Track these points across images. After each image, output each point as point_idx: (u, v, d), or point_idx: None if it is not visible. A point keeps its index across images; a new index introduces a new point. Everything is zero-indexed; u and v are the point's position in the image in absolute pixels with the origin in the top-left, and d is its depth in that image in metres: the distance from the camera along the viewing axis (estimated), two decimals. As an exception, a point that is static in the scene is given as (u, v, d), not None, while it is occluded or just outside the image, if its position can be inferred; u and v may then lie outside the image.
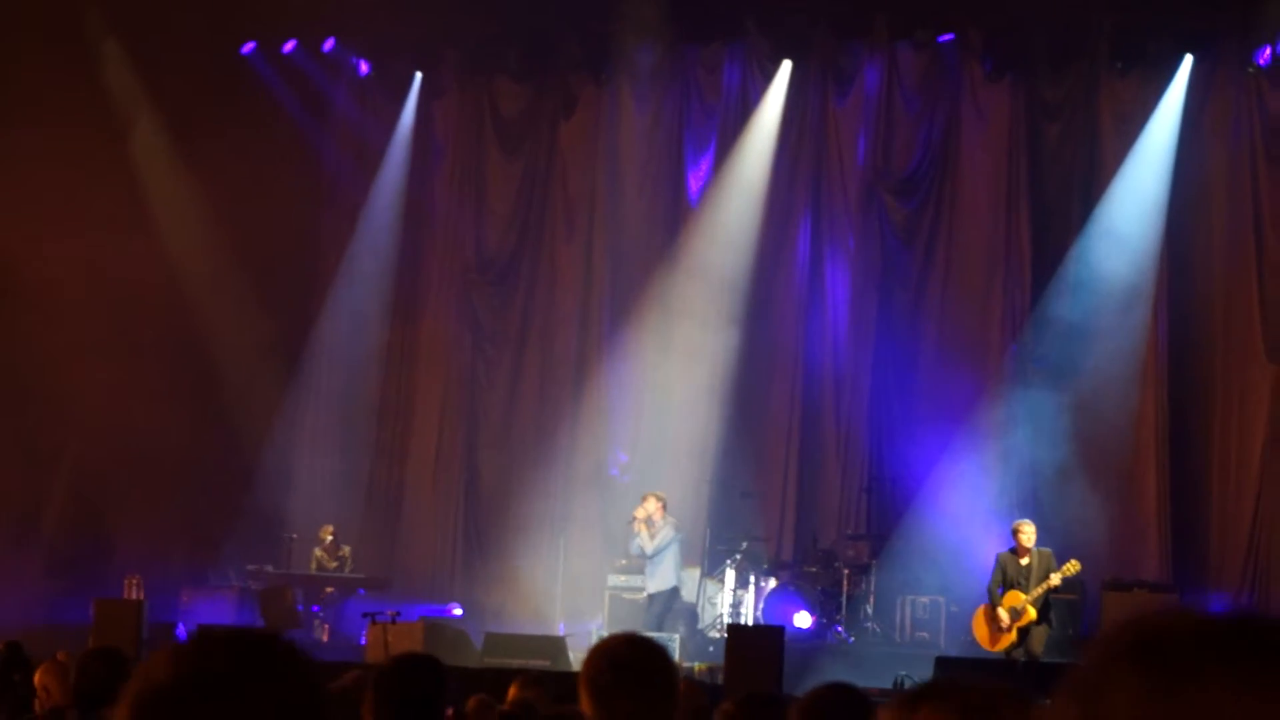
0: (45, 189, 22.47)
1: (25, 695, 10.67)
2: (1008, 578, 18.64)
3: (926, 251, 24.38)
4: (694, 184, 25.26)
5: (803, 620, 21.77)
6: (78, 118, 22.90)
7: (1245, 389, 22.93)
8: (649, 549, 20.93)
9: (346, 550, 23.44)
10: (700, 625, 22.21)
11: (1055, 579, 18.38)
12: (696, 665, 20.00)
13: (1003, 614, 18.47)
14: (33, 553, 23.24)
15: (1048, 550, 18.74)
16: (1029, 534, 18.66)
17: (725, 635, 19.18)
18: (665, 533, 20.99)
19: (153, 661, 2.68)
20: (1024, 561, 18.59)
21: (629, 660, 5.07)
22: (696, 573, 22.53)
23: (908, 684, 18.62)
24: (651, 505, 21.05)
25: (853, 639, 21.71)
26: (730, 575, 22.17)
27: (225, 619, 21.77)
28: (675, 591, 21.26)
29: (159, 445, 23.71)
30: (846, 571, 22.11)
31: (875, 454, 24.03)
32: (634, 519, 21.12)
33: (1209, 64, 23.33)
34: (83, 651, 8.75)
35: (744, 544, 22.52)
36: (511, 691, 9.86)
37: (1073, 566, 18.53)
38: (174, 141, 24.33)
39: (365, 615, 18.73)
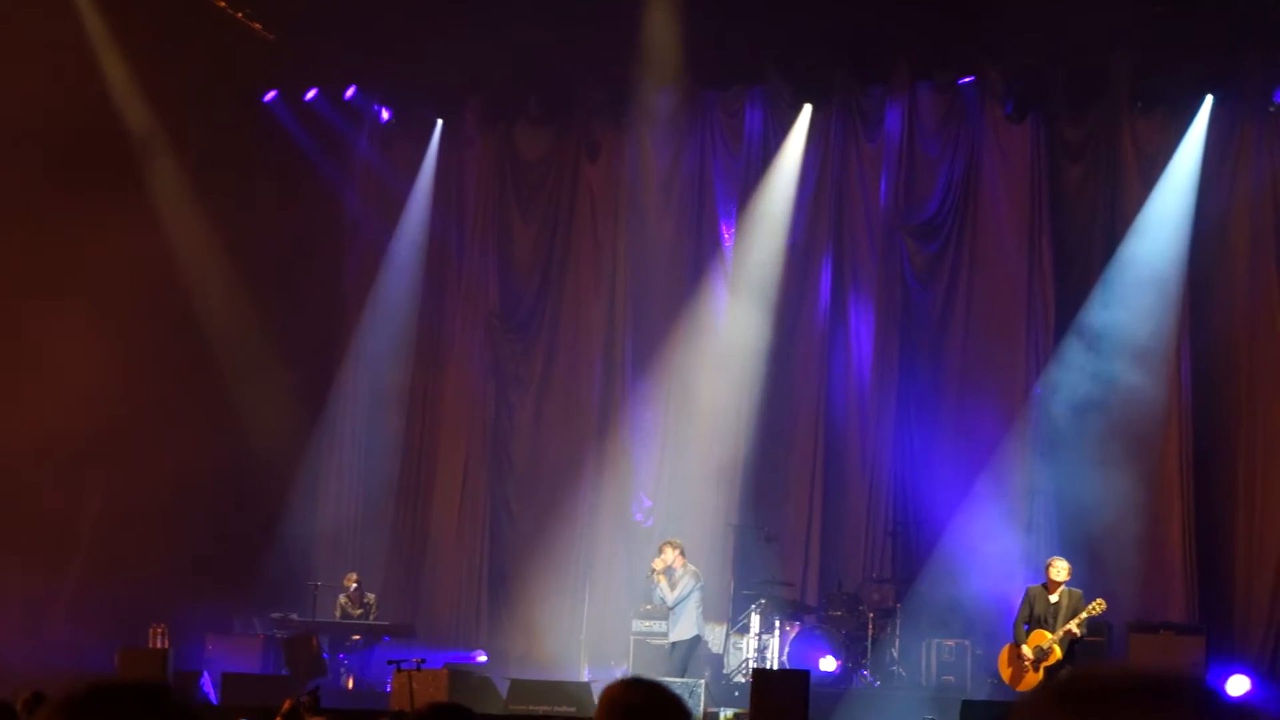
0: (65, 244, 22.47)
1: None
2: (1035, 613, 18.65)
3: (948, 293, 24.35)
4: (719, 228, 25.25)
5: (828, 664, 21.71)
6: (99, 167, 22.94)
7: (1270, 428, 22.86)
8: (670, 600, 20.72)
9: (371, 598, 23.42)
10: (725, 670, 22.14)
11: (1075, 627, 18.33)
12: (724, 714, 19.94)
13: (1027, 651, 18.47)
14: (58, 601, 23.24)
15: (1078, 591, 18.73)
16: (1060, 569, 18.69)
17: (751, 680, 19.12)
18: (686, 582, 20.75)
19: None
20: (1053, 598, 18.60)
21: (642, 707, 5.02)
22: (722, 628, 22.45)
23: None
24: (670, 555, 20.82)
25: (878, 683, 21.64)
26: (755, 620, 22.10)
27: (250, 667, 21.75)
28: (698, 639, 21.12)
29: (182, 492, 23.73)
30: (871, 615, 22.05)
31: (899, 497, 23.97)
32: (653, 570, 20.92)
33: (1230, 103, 23.30)
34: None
35: (768, 588, 22.50)
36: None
37: (1098, 606, 18.49)
38: (196, 189, 24.36)
39: (390, 663, 18.70)
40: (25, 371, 22.54)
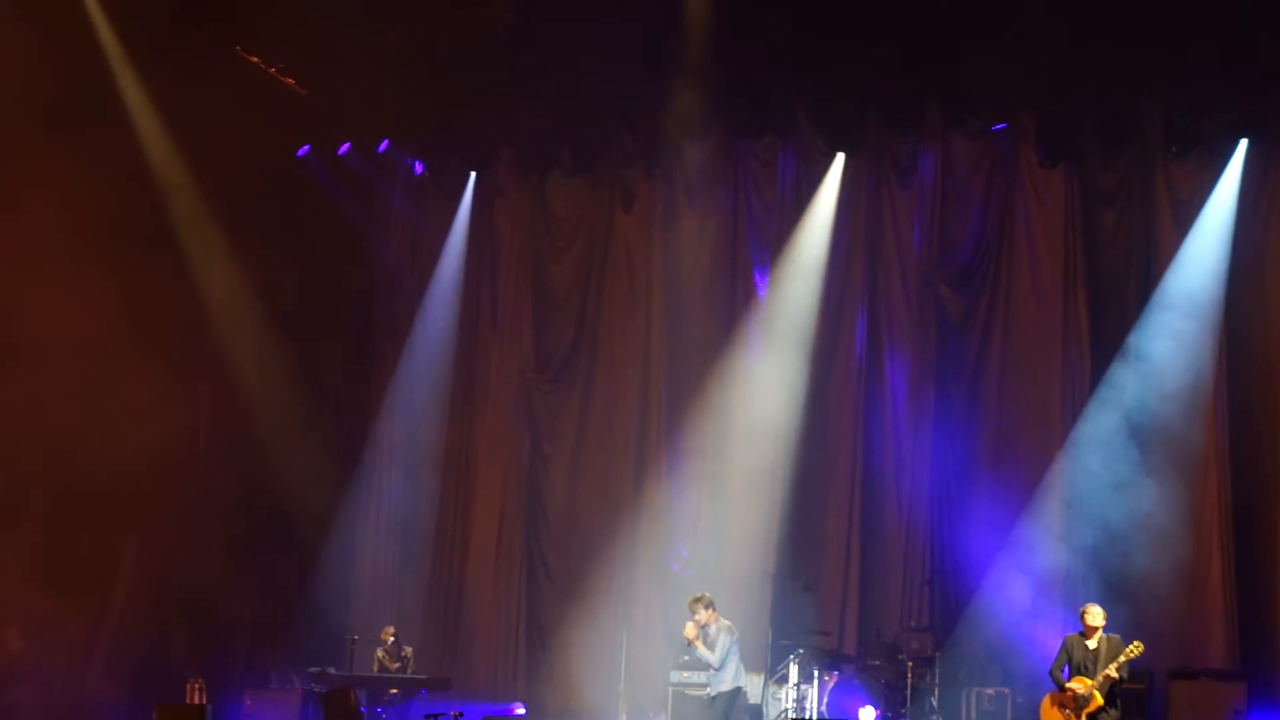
0: (99, 302, 22.51)
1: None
2: (1074, 661, 18.65)
3: (983, 340, 24.29)
4: (753, 277, 25.23)
5: (867, 715, 21.65)
6: (133, 221, 23.00)
7: (1309, 473, 22.77)
8: (715, 661, 20.33)
9: (409, 651, 23.38)
10: (765, 721, 22.08)
11: (1113, 670, 18.30)
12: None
13: (1072, 690, 18.40)
14: (95, 657, 23.24)
15: (1116, 636, 18.68)
16: (1095, 615, 18.68)
17: (790, 731, 19.08)
18: (723, 640, 20.29)
19: None
20: (1091, 645, 18.58)
21: None
22: (760, 678, 22.32)
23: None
24: (702, 615, 20.37)
25: (918, 732, 21.58)
26: (793, 670, 22.02)
27: (287, 722, 21.75)
28: (739, 691, 20.91)
29: (219, 546, 23.75)
30: (910, 664, 21.96)
31: (937, 544, 23.88)
32: (688, 641, 20.46)
33: (1265, 145, 23.22)
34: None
35: (806, 638, 22.43)
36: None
37: (1136, 648, 18.45)
38: (230, 243, 24.40)
39: (428, 716, 18.64)
40: (59, 421, 22.56)
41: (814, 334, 24.63)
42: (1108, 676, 18.41)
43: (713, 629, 20.27)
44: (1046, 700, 18.91)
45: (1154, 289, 23.33)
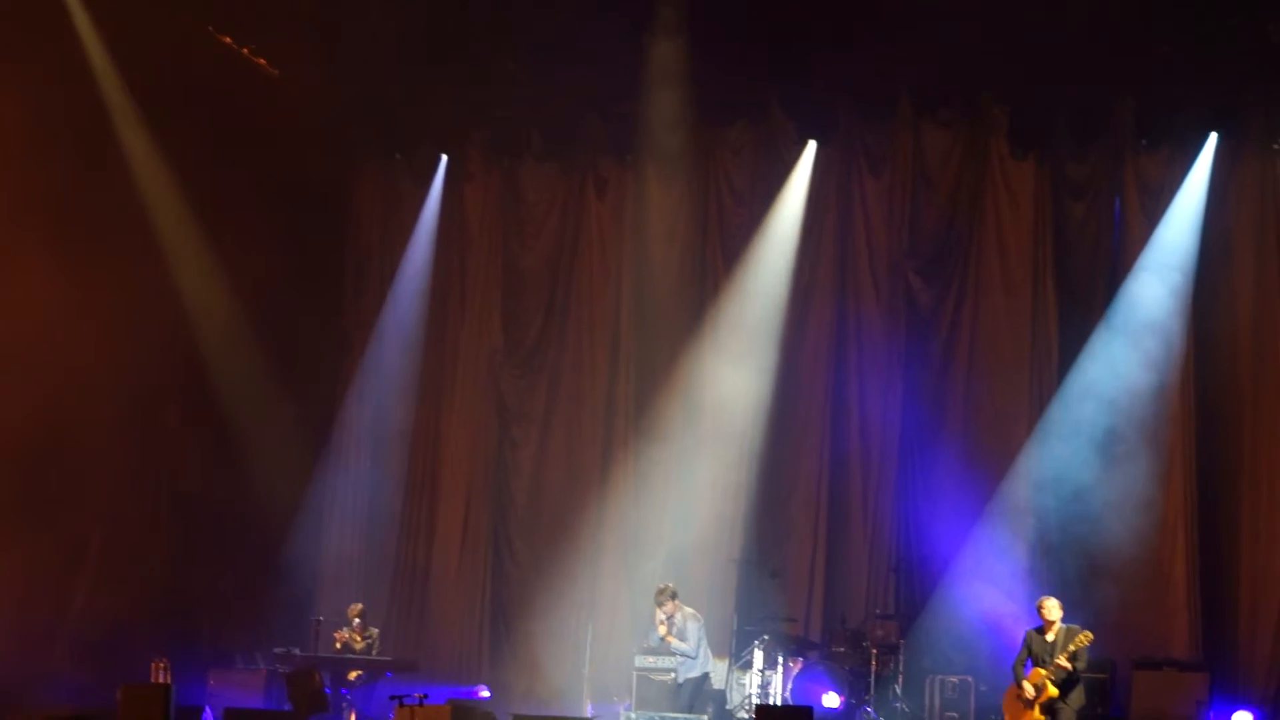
0: (65, 275, 22.43)
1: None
2: (1034, 654, 18.84)
3: (951, 330, 24.34)
4: (722, 265, 25.24)
5: (831, 701, 21.70)
6: (100, 202, 22.92)
7: (1275, 466, 22.84)
8: (691, 651, 20.56)
9: (374, 632, 23.35)
10: (728, 707, 22.09)
11: (1064, 660, 18.50)
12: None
13: (1028, 687, 18.58)
14: (59, 638, 23.18)
15: (1075, 626, 18.86)
16: (1051, 608, 18.91)
17: (753, 717, 19.09)
18: (693, 629, 20.61)
19: None
20: (1049, 638, 18.76)
21: None
22: (724, 664, 22.36)
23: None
24: (670, 606, 20.66)
25: (881, 719, 21.60)
26: (758, 656, 22.06)
27: (253, 702, 21.68)
28: (706, 676, 21.12)
29: (185, 526, 23.71)
30: (875, 651, 22.00)
31: (903, 533, 23.94)
32: (663, 639, 20.78)
33: (1234, 140, 23.31)
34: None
35: (771, 624, 22.47)
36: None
37: (1084, 638, 18.64)
38: (199, 224, 24.29)
39: (393, 698, 18.61)
40: (25, 402, 22.49)
41: (783, 321, 24.66)
42: (1059, 666, 18.59)
43: (679, 618, 20.48)
44: (1009, 693, 19.07)
45: (1122, 280, 23.40)
